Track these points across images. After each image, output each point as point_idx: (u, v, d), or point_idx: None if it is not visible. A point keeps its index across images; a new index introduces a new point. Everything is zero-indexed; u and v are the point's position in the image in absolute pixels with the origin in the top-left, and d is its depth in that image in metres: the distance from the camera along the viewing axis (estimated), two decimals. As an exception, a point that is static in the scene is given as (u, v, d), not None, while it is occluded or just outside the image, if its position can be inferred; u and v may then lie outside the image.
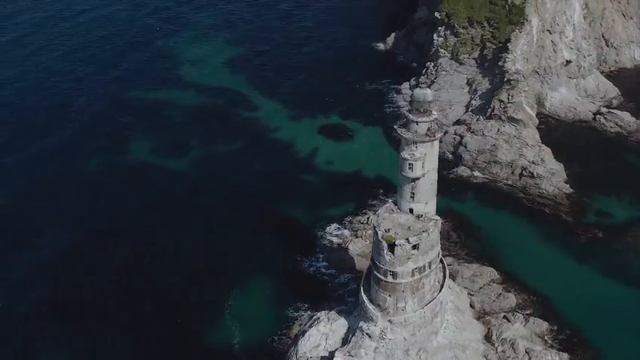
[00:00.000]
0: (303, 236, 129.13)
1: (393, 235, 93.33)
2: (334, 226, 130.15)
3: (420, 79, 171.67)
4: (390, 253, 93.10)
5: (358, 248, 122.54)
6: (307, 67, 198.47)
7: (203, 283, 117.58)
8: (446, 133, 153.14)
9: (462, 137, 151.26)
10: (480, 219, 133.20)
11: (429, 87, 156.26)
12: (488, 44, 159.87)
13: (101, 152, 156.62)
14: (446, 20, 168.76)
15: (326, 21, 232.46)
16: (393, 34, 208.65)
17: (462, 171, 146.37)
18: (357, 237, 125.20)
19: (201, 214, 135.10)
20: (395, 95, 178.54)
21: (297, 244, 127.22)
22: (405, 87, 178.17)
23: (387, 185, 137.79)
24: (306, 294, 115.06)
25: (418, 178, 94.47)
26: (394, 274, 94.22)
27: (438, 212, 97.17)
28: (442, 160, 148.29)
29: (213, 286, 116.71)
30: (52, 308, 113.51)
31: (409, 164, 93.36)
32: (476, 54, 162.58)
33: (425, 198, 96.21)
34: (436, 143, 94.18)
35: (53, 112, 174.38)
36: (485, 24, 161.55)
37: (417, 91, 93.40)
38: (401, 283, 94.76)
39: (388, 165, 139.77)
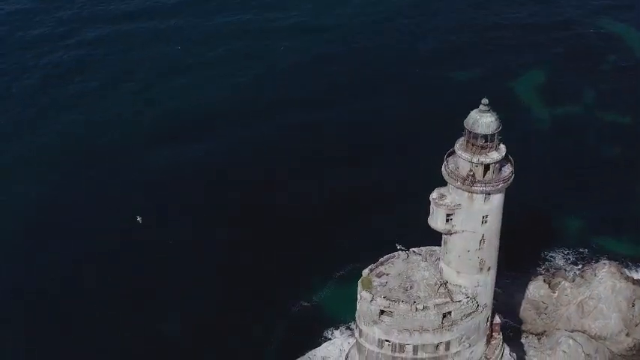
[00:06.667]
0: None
1: (370, 282, 68.56)
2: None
3: None
4: (360, 300, 69.34)
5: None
6: None
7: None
8: None
9: None
10: None
11: None
12: None
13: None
14: None
15: None
16: None
17: None
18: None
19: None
20: None
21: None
22: None
23: None
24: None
25: (448, 233, 65.42)
26: (360, 332, 70.37)
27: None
28: None
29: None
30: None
31: (432, 207, 64.98)
32: None
33: (456, 265, 66.73)
34: (481, 200, 62.49)
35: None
36: None
37: (473, 114, 61.94)
38: (364, 347, 70.17)
39: None
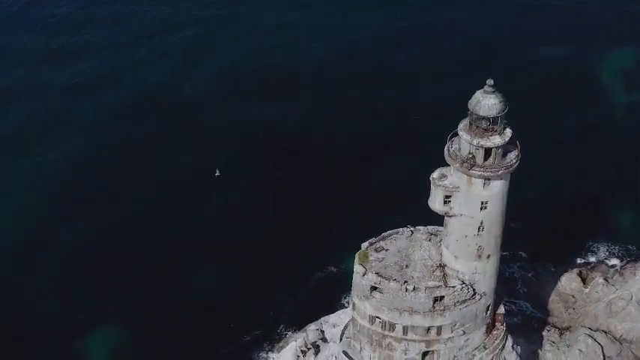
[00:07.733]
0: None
1: (367, 257, 67.45)
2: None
3: None
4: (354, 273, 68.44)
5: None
6: None
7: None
8: None
9: None
10: None
11: None
12: None
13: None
14: None
15: None
16: None
17: None
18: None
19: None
20: None
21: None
22: None
23: None
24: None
25: (447, 215, 63.43)
26: (354, 305, 69.54)
27: None
28: None
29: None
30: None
31: (431, 187, 63.07)
32: None
33: (454, 249, 64.57)
34: (480, 185, 60.01)
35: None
36: None
37: (477, 94, 59.05)
38: (357, 321, 69.40)
39: None
